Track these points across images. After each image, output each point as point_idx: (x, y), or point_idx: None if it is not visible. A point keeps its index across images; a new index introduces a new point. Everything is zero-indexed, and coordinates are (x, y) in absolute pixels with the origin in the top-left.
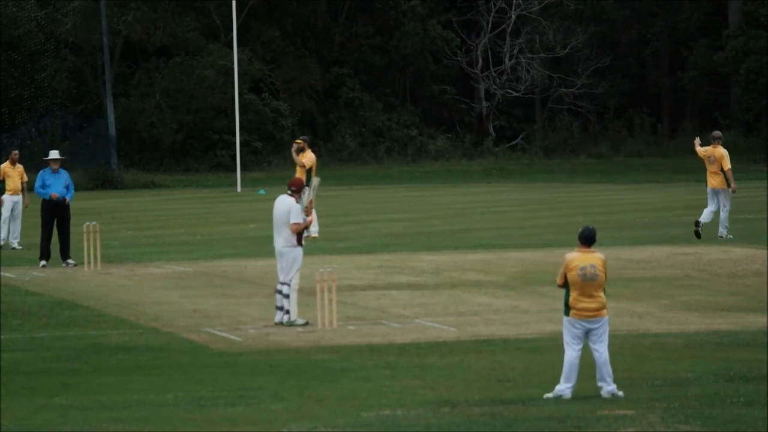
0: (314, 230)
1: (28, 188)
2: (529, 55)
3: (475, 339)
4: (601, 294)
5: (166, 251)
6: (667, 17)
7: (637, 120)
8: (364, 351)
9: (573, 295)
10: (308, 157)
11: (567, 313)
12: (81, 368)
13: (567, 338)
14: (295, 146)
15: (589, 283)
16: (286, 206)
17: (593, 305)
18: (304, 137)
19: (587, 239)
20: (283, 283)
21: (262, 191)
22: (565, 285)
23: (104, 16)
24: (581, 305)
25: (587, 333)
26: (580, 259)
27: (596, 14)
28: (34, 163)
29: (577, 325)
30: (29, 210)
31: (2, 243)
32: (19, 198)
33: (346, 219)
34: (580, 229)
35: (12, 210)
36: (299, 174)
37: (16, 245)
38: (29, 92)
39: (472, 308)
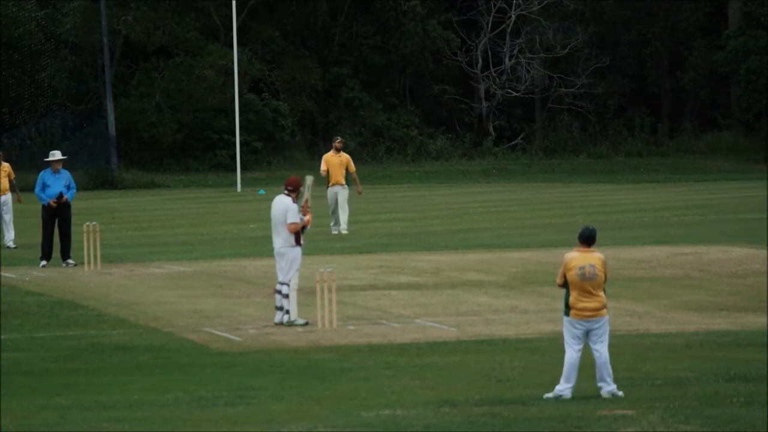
0: (343, 227)
1: (28, 189)
2: (529, 55)
3: (475, 339)
4: (601, 294)
5: (166, 251)
6: (667, 17)
7: (637, 120)
8: (364, 351)
9: (573, 295)
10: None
11: (567, 314)
12: (81, 368)
13: (567, 338)
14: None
15: (588, 282)
16: (283, 206)
17: (593, 305)
18: (338, 137)
19: (587, 239)
20: (282, 283)
21: (261, 191)
22: (565, 285)
23: (104, 16)
24: (581, 305)
25: (587, 333)
26: (579, 258)
27: (596, 14)
28: (34, 164)
29: (578, 326)
30: (29, 210)
31: (13, 244)
32: (7, 197)
33: (348, 220)
34: (580, 229)
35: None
36: (340, 174)
37: (10, 244)
38: (29, 92)
39: (472, 308)
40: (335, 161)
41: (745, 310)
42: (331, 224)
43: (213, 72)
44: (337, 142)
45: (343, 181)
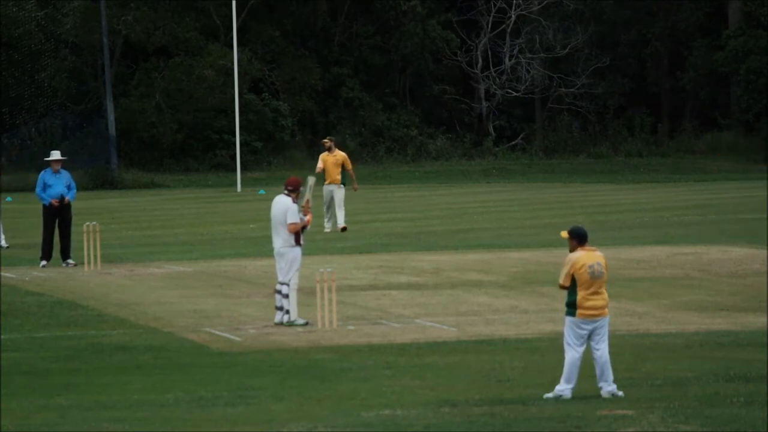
0: (341, 222)
1: (28, 189)
2: (529, 55)
3: (475, 339)
4: (605, 291)
5: (166, 251)
6: (667, 17)
7: (637, 120)
8: (364, 351)
9: (581, 294)
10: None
11: (573, 314)
12: (81, 368)
13: (570, 339)
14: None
15: (596, 280)
16: (283, 206)
17: (600, 302)
18: (331, 137)
19: (584, 237)
20: (282, 283)
21: (261, 191)
22: (571, 286)
23: (104, 16)
24: (589, 303)
25: (590, 333)
26: (586, 257)
27: (596, 14)
28: (34, 164)
29: (583, 326)
30: (29, 210)
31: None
32: None
33: (346, 219)
34: (571, 230)
35: None
36: (335, 172)
37: (3, 243)
38: (29, 92)
39: (472, 308)
40: (330, 160)
41: (745, 310)
42: (325, 221)
43: (213, 72)
44: (324, 141)
45: (338, 180)
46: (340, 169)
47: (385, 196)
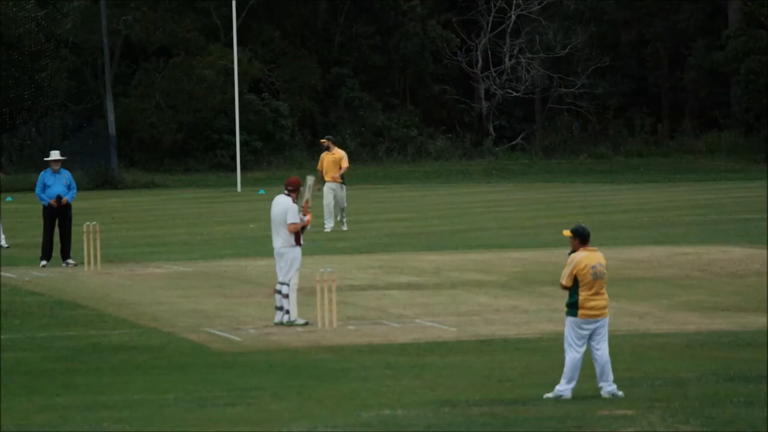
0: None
1: (28, 189)
2: (529, 55)
3: (475, 339)
4: (606, 292)
5: (166, 251)
6: (667, 17)
7: (637, 120)
8: (364, 351)
9: (583, 294)
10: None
11: (574, 315)
12: (81, 368)
13: (571, 340)
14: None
15: (598, 281)
16: (283, 206)
17: (602, 303)
18: (329, 137)
19: (587, 236)
20: (282, 283)
21: (262, 191)
22: (573, 286)
23: (104, 16)
24: (591, 303)
25: (591, 333)
26: (588, 258)
27: (596, 14)
28: (34, 163)
29: (585, 326)
30: (30, 210)
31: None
32: None
33: (346, 219)
34: (574, 229)
35: None
36: (332, 171)
37: (3, 243)
38: (29, 92)
39: (472, 308)
40: (328, 159)
41: (745, 310)
42: (326, 220)
43: (213, 72)
44: (322, 141)
45: (338, 177)
46: (339, 167)
47: (385, 196)
